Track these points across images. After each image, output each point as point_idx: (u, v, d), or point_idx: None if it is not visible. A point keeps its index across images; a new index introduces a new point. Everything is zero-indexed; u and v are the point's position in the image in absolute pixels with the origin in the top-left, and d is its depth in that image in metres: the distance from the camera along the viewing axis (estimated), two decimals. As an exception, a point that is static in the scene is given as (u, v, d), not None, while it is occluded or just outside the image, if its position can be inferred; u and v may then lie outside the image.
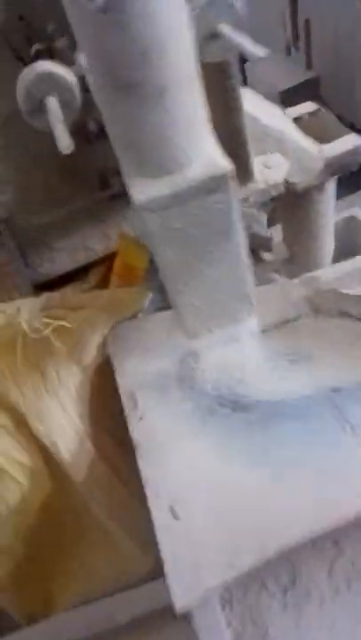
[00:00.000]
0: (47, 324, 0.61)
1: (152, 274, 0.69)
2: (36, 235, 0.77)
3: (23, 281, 0.74)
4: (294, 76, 1.82)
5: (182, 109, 0.45)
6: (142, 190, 0.48)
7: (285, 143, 0.88)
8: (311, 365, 0.69)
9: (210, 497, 0.57)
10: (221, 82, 0.63)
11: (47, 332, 0.61)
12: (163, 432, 0.65)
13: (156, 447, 0.63)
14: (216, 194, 0.49)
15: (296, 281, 0.73)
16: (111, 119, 0.46)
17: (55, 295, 0.65)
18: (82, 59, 0.59)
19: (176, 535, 0.55)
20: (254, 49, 0.50)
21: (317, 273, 0.74)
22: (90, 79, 0.45)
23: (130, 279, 0.75)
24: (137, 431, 0.65)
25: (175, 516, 0.57)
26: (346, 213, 1.23)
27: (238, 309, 0.61)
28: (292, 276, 0.81)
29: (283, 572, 0.57)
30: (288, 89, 1.76)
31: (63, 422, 0.68)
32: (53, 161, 0.74)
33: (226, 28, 0.54)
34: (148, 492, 0.59)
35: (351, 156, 0.90)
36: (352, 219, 1.24)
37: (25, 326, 0.61)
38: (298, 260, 0.96)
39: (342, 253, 1.02)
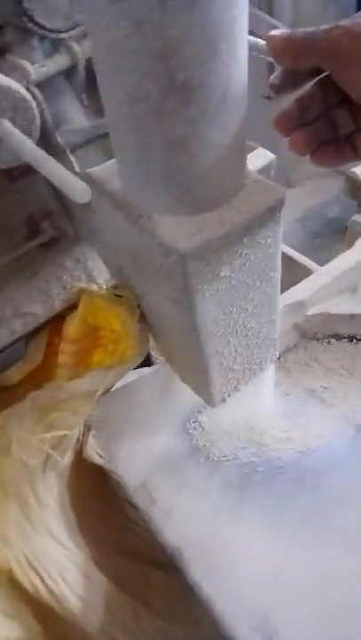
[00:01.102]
0: (43, 440, 0.43)
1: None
2: None
3: None
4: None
5: (239, 120, 0.33)
6: (189, 233, 0.35)
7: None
8: (324, 402, 0.62)
9: (299, 601, 0.46)
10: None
11: (47, 447, 0.43)
12: (201, 524, 0.51)
13: (204, 548, 0.49)
14: (268, 225, 0.39)
15: (283, 308, 0.65)
16: (145, 140, 0.32)
17: (41, 394, 0.47)
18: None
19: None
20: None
21: (298, 296, 0.67)
22: (108, 86, 0.31)
23: (92, 343, 0.59)
24: (171, 532, 0.50)
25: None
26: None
27: (266, 357, 0.51)
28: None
29: None
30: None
31: (61, 559, 0.49)
32: None
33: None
34: (222, 610, 0.45)
35: (267, 171, 0.87)
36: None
37: (20, 454, 0.42)
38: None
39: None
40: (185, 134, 0.31)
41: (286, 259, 0.99)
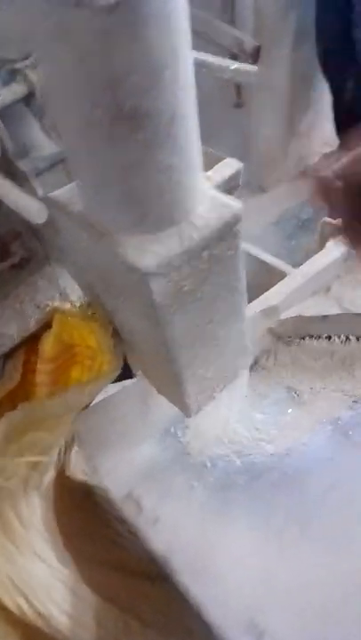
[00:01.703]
0: (19, 464, 0.43)
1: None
2: None
3: None
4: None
5: (190, 140, 0.34)
6: (150, 251, 0.36)
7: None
8: (302, 402, 0.64)
9: (287, 603, 0.47)
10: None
11: (24, 471, 0.43)
12: (187, 530, 0.52)
13: (192, 553, 0.50)
14: (227, 239, 0.40)
15: (257, 313, 0.66)
16: (100, 165, 0.33)
17: (17, 414, 0.47)
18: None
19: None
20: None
21: (272, 300, 0.69)
22: (59, 115, 0.32)
23: (69, 361, 0.60)
24: (159, 540, 0.51)
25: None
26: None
27: (239, 364, 0.52)
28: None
29: None
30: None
31: (47, 579, 0.49)
32: None
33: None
34: (212, 615, 0.46)
35: (235, 180, 0.88)
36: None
37: None
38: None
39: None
40: (136, 159, 0.32)
41: (261, 263, 1.01)
